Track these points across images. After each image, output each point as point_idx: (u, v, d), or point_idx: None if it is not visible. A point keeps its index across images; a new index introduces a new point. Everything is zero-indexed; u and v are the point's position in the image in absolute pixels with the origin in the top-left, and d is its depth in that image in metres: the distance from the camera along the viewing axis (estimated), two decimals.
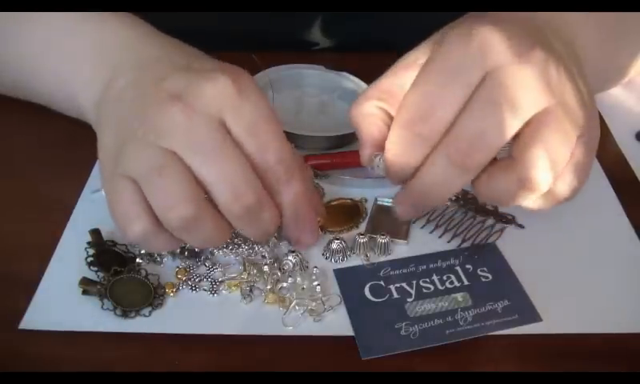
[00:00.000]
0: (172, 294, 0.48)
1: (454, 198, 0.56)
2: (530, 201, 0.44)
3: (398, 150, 0.43)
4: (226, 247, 0.51)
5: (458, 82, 0.41)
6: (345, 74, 0.66)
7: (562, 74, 0.42)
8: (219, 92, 0.43)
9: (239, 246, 0.52)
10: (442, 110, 0.41)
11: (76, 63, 0.52)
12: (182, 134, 0.42)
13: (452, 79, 0.41)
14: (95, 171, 0.58)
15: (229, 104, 0.43)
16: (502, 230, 0.53)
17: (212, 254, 0.51)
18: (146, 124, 0.43)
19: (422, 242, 0.53)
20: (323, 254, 0.51)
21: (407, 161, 0.43)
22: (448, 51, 0.41)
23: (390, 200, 0.56)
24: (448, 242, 0.53)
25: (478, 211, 0.55)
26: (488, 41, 0.41)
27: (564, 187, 0.43)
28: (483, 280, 0.50)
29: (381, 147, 0.45)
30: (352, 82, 0.65)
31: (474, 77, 0.41)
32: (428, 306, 0.47)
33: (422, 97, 0.42)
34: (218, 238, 0.45)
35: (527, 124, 0.41)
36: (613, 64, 0.62)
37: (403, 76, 0.45)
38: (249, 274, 0.49)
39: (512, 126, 0.41)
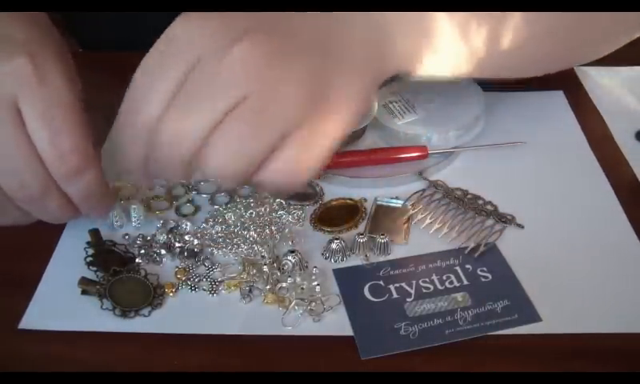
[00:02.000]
0: (171, 294, 0.48)
1: (453, 197, 0.56)
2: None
3: (121, 138, 0.43)
4: (226, 247, 0.52)
5: (161, 80, 0.41)
6: None
7: (274, 68, 0.41)
8: (14, 73, 0.43)
9: (239, 245, 0.52)
10: (147, 107, 0.41)
11: None
12: None
13: (157, 77, 0.41)
14: None
15: (23, 89, 0.43)
16: (501, 230, 0.53)
17: (212, 254, 0.51)
18: None
19: (422, 242, 0.53)
20: (323, 254, 0.51)
21: (130, 150, 0.43)
22: (155, 47, 0.41)
23: (390, 200, 0.56)
24: (448, 242, 0.53)
25: (478, 211, 0.55)
26: (194, 33, 0.41)
27: (266, 178, 0.43)
28: (483, 280, 0.49)
29: None
30: None
31: (179, 70, 0.40)
32: (427, 306, 0.47)
33: (130, 96, 0.42)
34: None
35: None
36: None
37: None
38: (248, 273, 0.49)
39: (210, 119, 0.40)
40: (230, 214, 0.55)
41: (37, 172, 0.44)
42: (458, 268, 0.50)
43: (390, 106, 0.63)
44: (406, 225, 0.54)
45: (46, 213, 0.47)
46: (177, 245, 0.51)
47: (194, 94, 0.40)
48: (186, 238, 0.52)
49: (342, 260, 0.51)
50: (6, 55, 0.43)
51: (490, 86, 0.64)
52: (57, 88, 0.44)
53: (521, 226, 0.54)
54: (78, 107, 0.45)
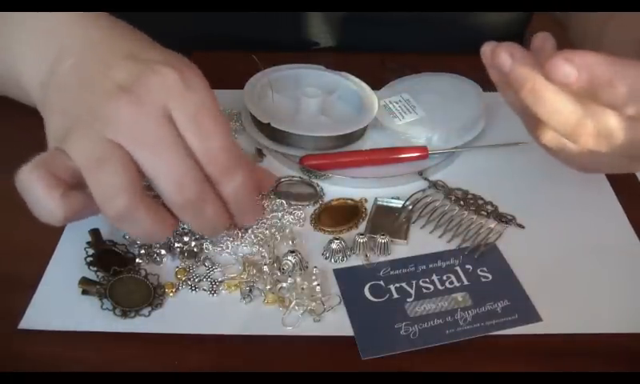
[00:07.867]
0: (172, 294, 0.48)
1: (454, 198, 0.56)
2: None
3: None
4: (226, 247, 0.52)
5: None
6: (345, 73, 0.66)
7: None
8: (165, 85, 0.44)
9: (239, 245, 0.52)
10: None
11: (23, 44, 0.51)
12: (127, 127, 0.42)
13: None
14: None
15: (174, 95, 0.44)
16: (501, 230, 0.53)
17: (212, 254, 0.51)
18: (93, 113, 0.43)
19: (422, 242, 0.53)
20: (323, 254, 0.51)
21: None
22: None
23: (390, 200, 0.56)
24: (448, 242, 0.53)
25: (478, 211, 0.55)
26: None
27: None
28: (483, 280, 0.50)
29: None
30: (352, 82, 0.65)
31: None
32: (428, 306, 0.47)
33: None
34: (158, 231, 0.45)
35: None
36: None
37: None
38: (248, 274, 0.49)
39: None
40: None
41: (193, 173, 0.44)
42: (458, 268, 0.50)
43: (390, 106, 0.63)
44: (405, 225, 0.54)
45: (203, 219, 0.46)
46: (177, 245, 0.51)
47: None
48: (186, 238, 0.52)
49: (342, 260, 0.51)
50: (150, 70, 0.44)
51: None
52: (201, 93, 0.45)
53: (521, 226, 0.54)
54: (220, 110, 0.46)
